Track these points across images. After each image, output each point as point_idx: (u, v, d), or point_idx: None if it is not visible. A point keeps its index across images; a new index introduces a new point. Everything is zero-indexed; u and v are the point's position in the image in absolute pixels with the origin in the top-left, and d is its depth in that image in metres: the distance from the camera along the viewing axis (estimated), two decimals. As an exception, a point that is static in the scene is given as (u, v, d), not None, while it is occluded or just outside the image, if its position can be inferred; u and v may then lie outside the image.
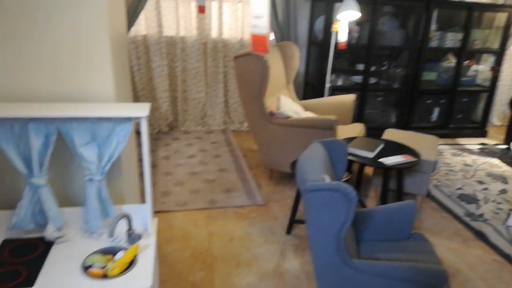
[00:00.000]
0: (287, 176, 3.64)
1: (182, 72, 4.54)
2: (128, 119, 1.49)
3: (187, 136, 4.62)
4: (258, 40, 2.28)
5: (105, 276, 1.41)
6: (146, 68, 4.41)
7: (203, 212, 3.01)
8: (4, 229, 1.59)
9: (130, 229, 1.55)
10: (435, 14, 4.43)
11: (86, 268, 1.43)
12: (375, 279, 1.80)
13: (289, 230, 2.75)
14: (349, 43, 4.15)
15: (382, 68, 4.68)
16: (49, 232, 1.52)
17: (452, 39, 4.54)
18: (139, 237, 1.55)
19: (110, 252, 1.54)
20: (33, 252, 1.49)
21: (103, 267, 1.44)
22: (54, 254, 1.48)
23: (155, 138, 4.48)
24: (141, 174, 3.35)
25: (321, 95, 4.20)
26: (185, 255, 2.49)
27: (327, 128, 2.92)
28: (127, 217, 1.52)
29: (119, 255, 1.49)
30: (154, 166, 3.78)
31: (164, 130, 4.66)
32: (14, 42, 1.49)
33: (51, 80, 1.55)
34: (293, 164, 2.63)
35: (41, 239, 1.56)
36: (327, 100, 3.73)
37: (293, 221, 2.72)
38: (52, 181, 1.66)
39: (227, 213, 3.00)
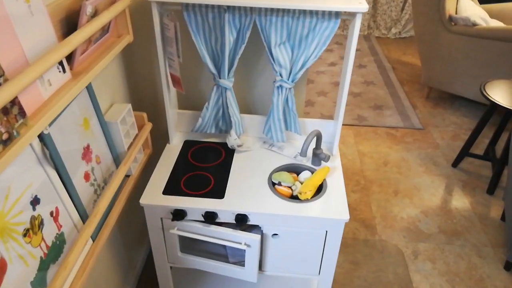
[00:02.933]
0: (448, 97, 3.10)
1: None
2: (336, 15, 1.18)
3: (325, 39, 4.20)
4: None
5: (293, 197, 1.26)
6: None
7: (350, 128, 2.75)
8: (185, 129, 1.51)
9: (318, 148, 1.35)
10: None
11: (273, 184, 1.29)
12: None
13: (456, 163, 2.37)
14: None
15: None
16: (232, 139, 1.39)
17: None
18: (327, 158, 1.35)
19: (293, 170, 1.38)
20: (215, 158, 1.39)
21: (289, 187, 1.29)
22: (238, 164, 1.37)
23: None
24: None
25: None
26: (338, 174, 2.32)
27: (533, 43, 2.26)
28: (318, 135, 1.31)
29: (304, 175, 1.32)
30: (293, 70, 3.53)
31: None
32: None
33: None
34: (485, 88, 2.12)
35: (220, 145, 1.46)
36: (522, 6, 2.90)
37: (466, 154, 2.31)
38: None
39: (378, 133, 2.70)
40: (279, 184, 1.29)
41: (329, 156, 1.35)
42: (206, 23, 1.22)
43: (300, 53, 1.26)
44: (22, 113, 0.77)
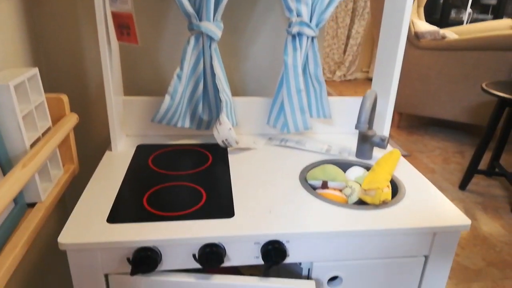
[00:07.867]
0: (421, 124, 2.85)
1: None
2: None
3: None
4: None
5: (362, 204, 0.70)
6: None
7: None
8: (137, 131, 0.91)
9: (369, 127, 0.84)
10: None
11: (306, 184, 0.73)
12: None
13: (464, 185, 1.99)
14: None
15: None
16: (226, 129, 0.82)
17: None
18: (386, 141, 0.83)
19: (332, 169, 0.83)
20: (198, 163, 0.80)
21: (340, 189, 0.74)
22: (239, 168, 0.79)
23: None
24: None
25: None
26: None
27: (514, 46, 2.11)
28: (375, 101, 0.80)
29: (354, 173, 0.78)
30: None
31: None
32: None
33: None
34: (486, 86, 1.83)
35: (203, 146, 0.88)
36: (474, 27, 2.87)
37: (474, 172, 1.95)
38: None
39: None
40: (325, 186, 0.73)
41: (388, 139, 0.84)
42: None
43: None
44: None
